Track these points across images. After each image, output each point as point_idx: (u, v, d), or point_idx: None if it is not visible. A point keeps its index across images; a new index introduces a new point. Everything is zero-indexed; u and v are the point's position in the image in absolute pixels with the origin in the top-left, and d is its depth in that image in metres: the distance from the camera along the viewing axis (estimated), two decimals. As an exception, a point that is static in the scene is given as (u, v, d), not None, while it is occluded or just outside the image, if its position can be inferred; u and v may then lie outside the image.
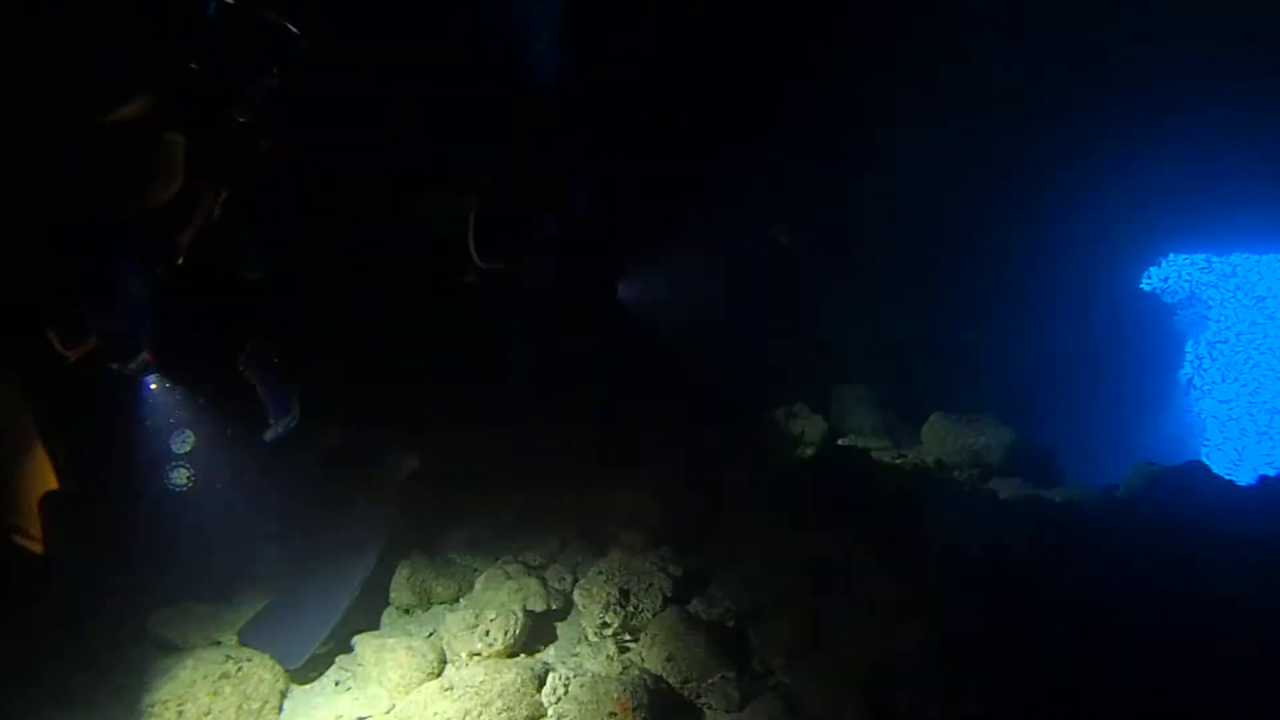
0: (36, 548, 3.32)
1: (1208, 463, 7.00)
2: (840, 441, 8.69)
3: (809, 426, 8.78)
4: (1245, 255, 21.73)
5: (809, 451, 8.33)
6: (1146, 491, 6.50)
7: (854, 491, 5.85)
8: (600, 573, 5.44)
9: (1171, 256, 20.37)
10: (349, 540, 5.97)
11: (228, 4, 3.46)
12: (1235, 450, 21.96)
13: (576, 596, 5.38)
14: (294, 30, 3.62)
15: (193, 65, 3.45)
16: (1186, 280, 21.35)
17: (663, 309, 9.28)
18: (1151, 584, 4.39)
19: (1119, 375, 16.20)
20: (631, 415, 8.08)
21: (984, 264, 12.98)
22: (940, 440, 8.11)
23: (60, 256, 3.47)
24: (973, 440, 7.91)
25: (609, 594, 5.21)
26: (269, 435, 4.51)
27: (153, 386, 4.30)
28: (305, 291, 6.23)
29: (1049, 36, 11.52)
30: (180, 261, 3.88)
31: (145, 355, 3.87)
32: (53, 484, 3.42)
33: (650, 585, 5.30)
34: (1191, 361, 21.60)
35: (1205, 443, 22.31)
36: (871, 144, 11.26)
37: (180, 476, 4.35)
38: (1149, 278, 19.75)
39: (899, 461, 8.06)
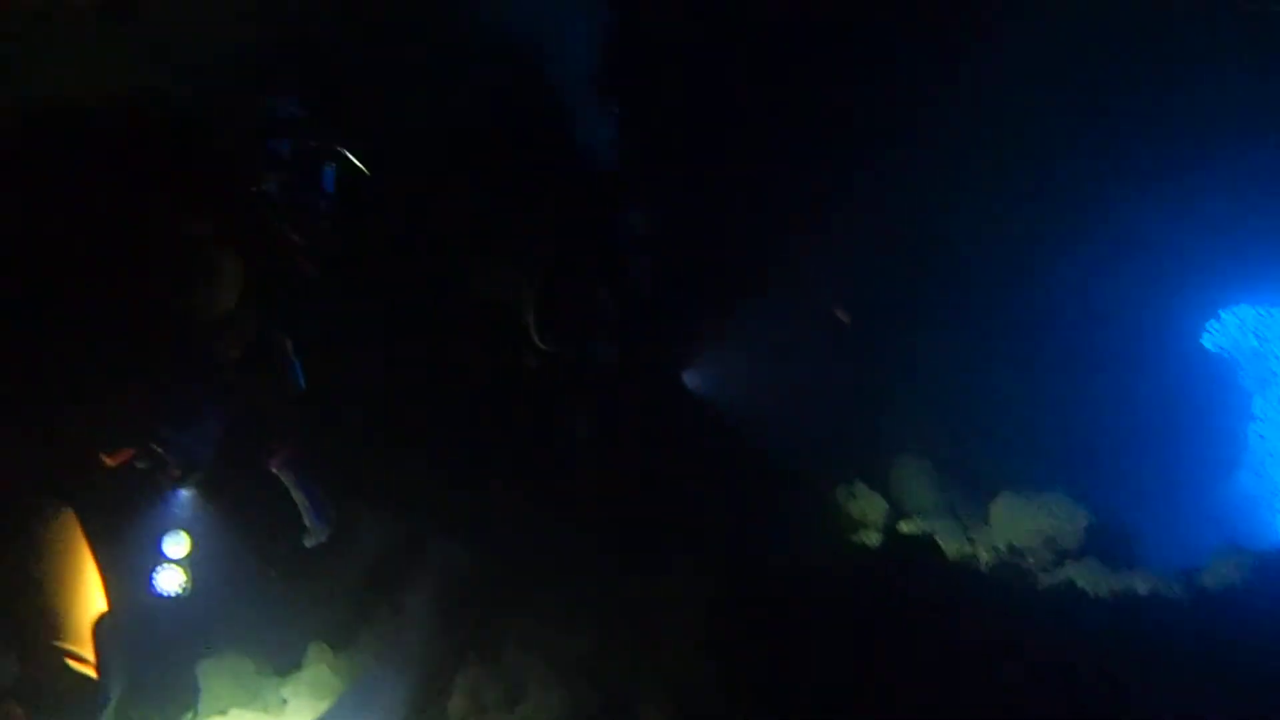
0: (91, 673, 3.20)
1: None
2: (903, 525, 8.36)
3: (870, 508, 8.50)
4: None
5: (873, 537, 8.03)
6: (1243, 585, 6.11)
7: (928, 598, 5.52)
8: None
9: (1233, 309, 19.77)
10: (398, 654, 5.79)
11: (298, 137, 3.44)
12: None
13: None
14: (362, 168, 3.58)
15: (255, 190, 3.42)
16: (1250, 334, 20.69)
17: (725, 393, 9.09)
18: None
19: (1184, 435, 15.63)
20: (682, 499, 7.90)
21: (1036, 319, 12.67)
22: (1011, 522, 7.77)
23: (134, 368, 3.40)
24: (1046, 523, 7.56)
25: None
26: (308, 542, 4.34)
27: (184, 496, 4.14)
28: (348, 383, 6.13)
29: (1107, 81, 11.32)
30: (229, 376, 3.81)
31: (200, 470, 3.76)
32: (104, 606, 3.31)
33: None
34: (1260, 420, 20.84)
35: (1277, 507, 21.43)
36: (920, 197, 11.07)
37: (170, 582, 4.08)
38: (1210, 331, 19.18)
39: (968, 548, 7.72)
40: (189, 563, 4.10)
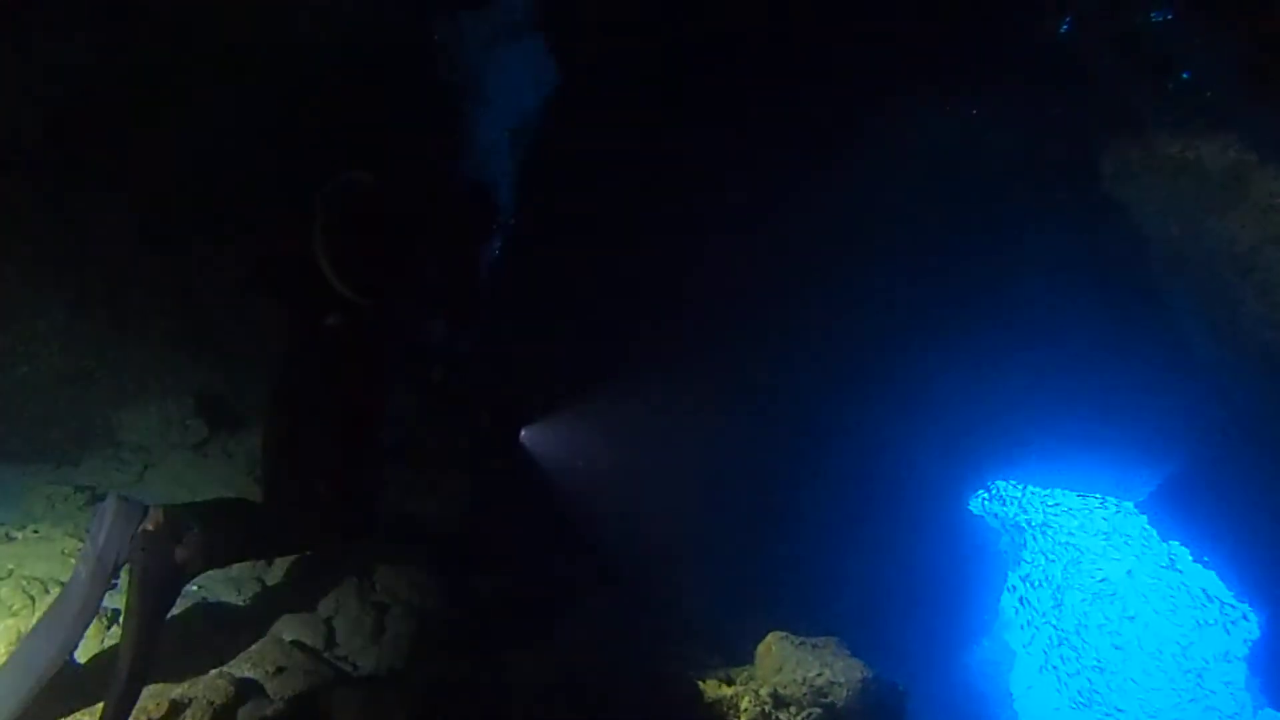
0: None
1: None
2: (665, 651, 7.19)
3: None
4: (1066, 491, 22.21)
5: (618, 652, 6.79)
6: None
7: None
8: None
9: (1001, 483, 20.57)
10: None
11: None
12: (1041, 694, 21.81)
13: None
14: None
15: None
16: (1011, 508, 21.59)
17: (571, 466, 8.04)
18: None
19: (943, 597, 15.68)
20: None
21: (828, 476, 12.51)
22: (777, 668, 6.71)
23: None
24: (816, 673, 6.55)
25: None
26: None
27: None
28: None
29: (913, 263, 11.69)
30: None
31: None
32: None
33: None
34: (1010, 590, 21.53)
35: (1010, 675, 22.09)
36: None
37: None
38: (979, 500, 19.77)
39: (726, 691, 6.59)
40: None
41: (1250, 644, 12.77)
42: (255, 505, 5.05)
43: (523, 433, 8.27)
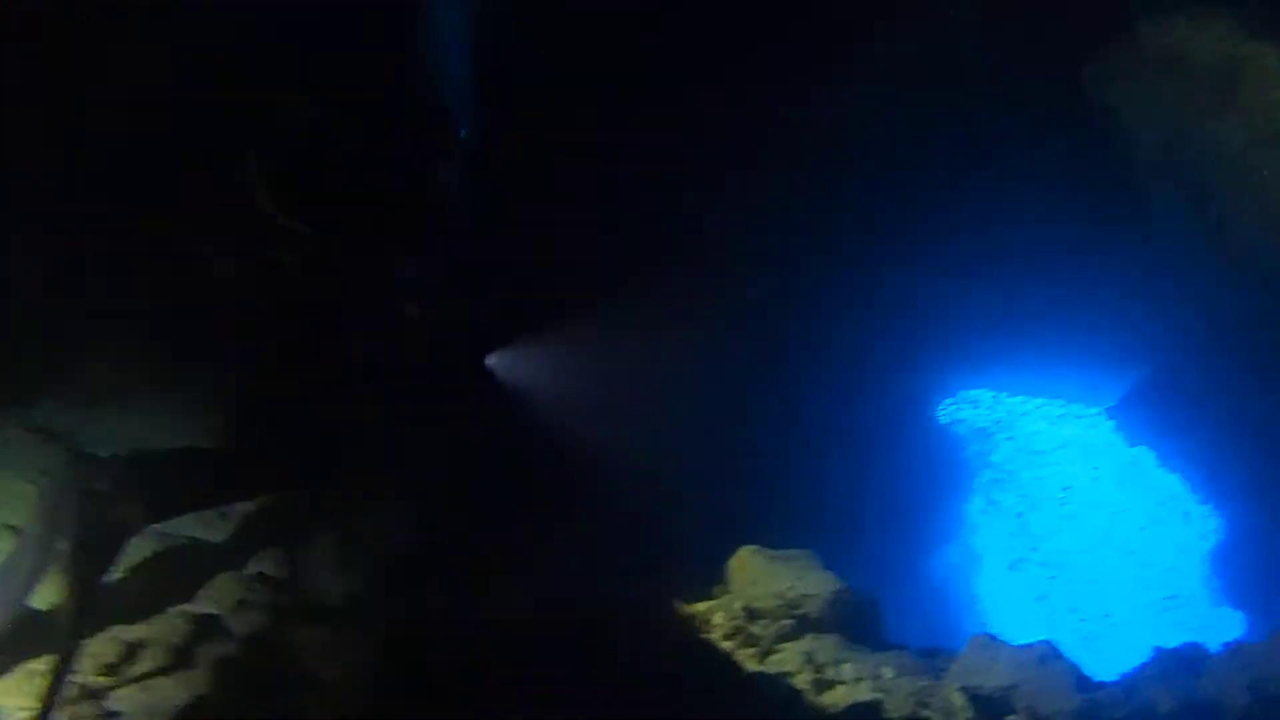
0: None
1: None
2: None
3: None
4: (1029, 398, 22.39)
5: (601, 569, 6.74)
6: (1011, 687, 5.31)
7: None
8: None
9: (966, 391, 20.65)
10: None
11: None
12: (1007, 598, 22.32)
13: None
14: None
15: None
16: (979, 413, 21.72)
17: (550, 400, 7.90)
18: None
19: (913, 504, 15.83)
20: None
21: (790, 390, 12.44)
22: (751, 582, 6.72)
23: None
24: (789, 586, 6.55)
25: None
26: None
27: None
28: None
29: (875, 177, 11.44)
30: None
31: None
32: None
33: None
34: (976, 496, 21.83)
35: (977, 578, 22.55)
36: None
37: None
38: (945, 409, 19.85)
39: (700, 608, 6.59)
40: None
41: (1214, 544, 13.04)
42: (215, 452, 4.90)
43: (495, 358, 8.11)
